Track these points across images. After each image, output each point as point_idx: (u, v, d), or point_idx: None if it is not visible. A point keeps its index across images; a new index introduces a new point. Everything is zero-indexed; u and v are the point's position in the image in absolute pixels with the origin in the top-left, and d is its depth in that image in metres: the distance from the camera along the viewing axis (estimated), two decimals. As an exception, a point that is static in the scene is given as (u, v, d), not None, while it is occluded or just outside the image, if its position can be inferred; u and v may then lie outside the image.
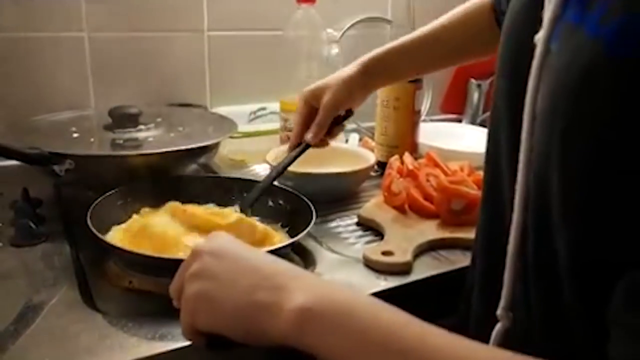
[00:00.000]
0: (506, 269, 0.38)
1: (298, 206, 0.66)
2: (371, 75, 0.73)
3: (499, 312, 0.38)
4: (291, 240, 0.59)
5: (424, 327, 0.34)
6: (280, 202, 0.70)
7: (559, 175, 0.33)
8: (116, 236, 0.61)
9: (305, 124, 0.73)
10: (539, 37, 0.35)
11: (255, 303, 0.37)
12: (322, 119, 0.72)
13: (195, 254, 0.42)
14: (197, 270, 0.41)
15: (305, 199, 0.66)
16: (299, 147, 0.72)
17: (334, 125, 0.74)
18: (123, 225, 0.63)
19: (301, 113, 0.74)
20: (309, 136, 0.72)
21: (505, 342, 0.38)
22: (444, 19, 0.73)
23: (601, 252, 0.31)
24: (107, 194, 0.64)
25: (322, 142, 0.75)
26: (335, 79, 0.72)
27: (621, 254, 0.30)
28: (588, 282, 0.33)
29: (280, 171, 0.70)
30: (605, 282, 0.30)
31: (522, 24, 0.41)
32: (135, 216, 0.64)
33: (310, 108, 0.73)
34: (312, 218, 0.62)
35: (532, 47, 0.35)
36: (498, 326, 0.38)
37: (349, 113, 0.76)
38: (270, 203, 0.70)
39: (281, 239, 0.63)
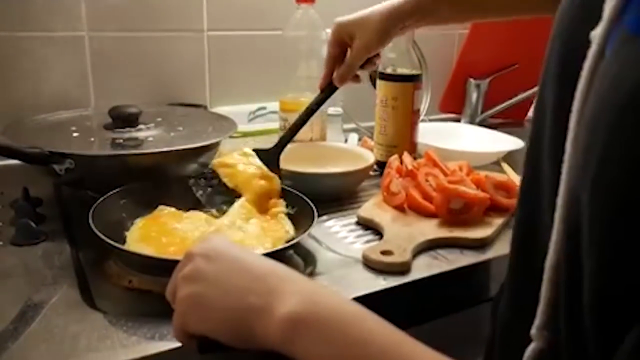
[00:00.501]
0: (543, 287, 0.34)
1: (299, 206, 0.67)
2: (407, 16, 0.71)
3: (533, 330, 0.35)
4: (293, 241, 0.59)
5: (416, 346, 0.33)
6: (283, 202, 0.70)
7: (589, 196, 0.29)
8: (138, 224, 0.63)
9: (335, 62, 0.73)
10: (595, 34, 0.30)
11: (246, 306, 0.37)
12: (352, 59, 0.72)
13: (188, 256, 0.42)
14: (188, 273, 0.40)
15: (307, 199, 0.66)
16: (327, 88, 0.74)
17: (366, 63, 0.74)
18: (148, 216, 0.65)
19: (331, 50, 0.74)
20: (336, 76, 0.72)
21: None
22: None
23: (621, 289, 0.28)
24: (109, 193, 0.64)
25: (354, 80, 0.75)
26: (370, 18, 0.71)
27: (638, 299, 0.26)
28: (604, 320, 0.29)
29: (308, 112, 0.73)
30: (621, 324, 0.27)
31: (576, 21, 0.35)
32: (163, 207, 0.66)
33: (341, 44, 0.73)
34: (313, 218, 0.62)
35: (586, 48, 0.31)
36: (532, 346, 0.35)
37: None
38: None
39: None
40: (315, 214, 0.63)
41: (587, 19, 0.31)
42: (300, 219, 0.65)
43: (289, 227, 0.65)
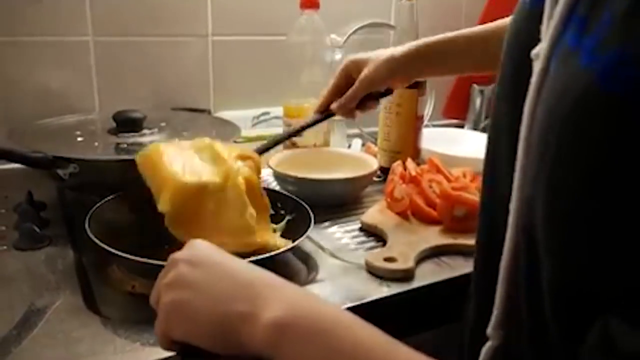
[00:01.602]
0: (498, 287, 0.36)
1: (296, 211, 0.67)
2: (417, 61, 0.73)
3: (489, 330, 0.37)
4: (290, 245, 0.59)
5: (403, 351, 0.33)
6: (279, 206, 0.69)
7: (544, 202, 0.31)
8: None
9: (338, 92, 0.75)
10: (536, 52, 0.33)
11: (231, 313, 0.37)
12: (355, 91, 0.73)
13: (172, 263, 0.41)
14: (172, 279, 0.40)
15: (304, 204, 0.66)
16: (323, 113, 0.75)
17: (369, 100, 0.76)
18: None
19: (337, 80, 0.75)
20: (334, 105, 0.73)
21: None
22: (505, 20, 0.72)
23: (579, 289, 0.30)
24: (107, 199, 0.64)
25: (349, 113, 0.76)
26: (381, 55, 0.73)
27: (599, 294, 0.28)
28: (565, 315, 0.31)
29: (298, 130, 0.75)
30: (583, 321, 0.29)
31: (523, 37, 0.38)
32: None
33: (348, 77, 0.75)
34: (310, 223, 0.62)
35: (530, 66, 0.34)
36: (488, 344, 0.37)
37: (388, 91, 0.77)
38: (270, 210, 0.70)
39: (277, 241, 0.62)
40: (312, 218, 0.63)
41: (530, 43, 0.35)
42: (299, 225, 0.64)
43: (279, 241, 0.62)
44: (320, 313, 0.36)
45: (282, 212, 0.68)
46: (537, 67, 0.33)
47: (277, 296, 0.37)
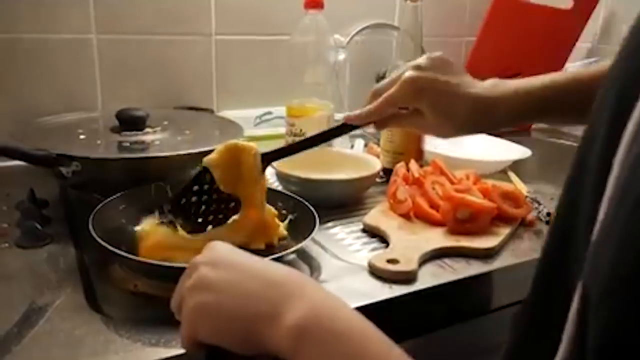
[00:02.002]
0: (568, 321, 0.31)
1: (301, 212, 0.66)
2: (493, 122, 0.64)
3: None
4: (294, 247, 0.59)
5: None
6: (282, 207, 0.69)
7: (607, 263, 0.27)
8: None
9: (388, 111, 0.64)
10: None
11: (256, 314, 0.37)
12: (377, 106, 0.63)
13: (192, 266, 0.42)
14: (195, 283, 0.40)
15: (308, 205, 0.66)
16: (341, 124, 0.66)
17: (394, 118, 0.66)
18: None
19: (391, 104, 0.63)
20: (351, 115, 0.64)
21: None
22: (576, 71, 0.62)
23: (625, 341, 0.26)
24: (110, 198, 0.64)
25: (375, 124, 0.66)
26: (459, 103, 0.62)
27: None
28: None
29: (311, 142, 0.66)
30: None
31: (635, 56, 0.34)
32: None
33: (406, 105, 0.64)
34: (315, 224, 0.62)
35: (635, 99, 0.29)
36: None
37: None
38: (272, 209, 0.70)
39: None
40: (317, 220, 0.62)
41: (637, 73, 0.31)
42: (301, 225, 0.64)
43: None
44: (340, 319, 0.36)
45: (284, 211, 0.68)
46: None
47: (299, 298, 0.37)
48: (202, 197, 0.62)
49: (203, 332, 0.39)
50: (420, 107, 0.62)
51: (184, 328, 0.40)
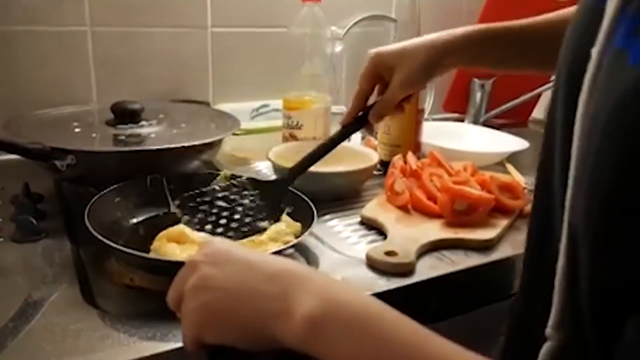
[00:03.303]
0: (556, 285, 0.36)
1: (298, 205, 0.66)
2: (452, 55, 0.67)
3: (548, 330, 0.36)
4: (293, 242, 0.58)
5: (441, 341, 0.34)
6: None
7: (584, 195, 0.32)
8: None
9: (366, 98, 0.68)
10: (595, 50, 0.33)
11: (263, 310, 0.37)
12: (392, 97, 0.66)
13: (192, 265, 0.41)
14: (197, 282, 0.39)
15: (306, 198, 0.65)
16: (353, 123, 0.68)
17: (378, 104, 0.68)
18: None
19: (364, 87, 0.68)
20: (374, 115, 0.67)
21: None
22: (545, 16, 0.68)
23: (613, 286, 0.30)
24: (104, 191, 0.64)
25: (398, 109, 0.70)
26: (414, 51, 0.66)
27: (632, 291, 0.28)
28: (601, 316, 0.31)
29: (328, 148, 0.67)
30: (617, 319, 0.29)
31: (580, 42, 0.38)
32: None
33: (376, 80, 0.68)
34: (313, 218, 0.61)
35: (589, 61, 0.34)
36: (547, 344, 0.36)
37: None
38: (270, 202, 0.69)
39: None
40: (315, 213, 0.62)
41: (589, 40, 0.34)
42: (299, 218, 0.64)
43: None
44: (353, 304, 0.36)
45: (282, 205, 0.68)
46: (591, 65, 0.33)
47: (308, 289, 0.37)
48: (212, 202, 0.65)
49: (209, 333, 0.38)
50: (383, 72, 0.67)
51: (187, 329, 0.39)
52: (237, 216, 0.64)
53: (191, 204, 0.66)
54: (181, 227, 0.60)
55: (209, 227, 0.63)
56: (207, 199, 0.66)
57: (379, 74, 0.68)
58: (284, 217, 0.65)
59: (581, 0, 0.40)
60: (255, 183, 0.69)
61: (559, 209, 0.36)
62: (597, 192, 0.31)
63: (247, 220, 0.64)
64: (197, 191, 0.67)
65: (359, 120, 0.69)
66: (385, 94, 0.67)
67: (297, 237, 0.60)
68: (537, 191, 0.44)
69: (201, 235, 0.60)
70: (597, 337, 0.32)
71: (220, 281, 0.39)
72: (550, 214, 0.40)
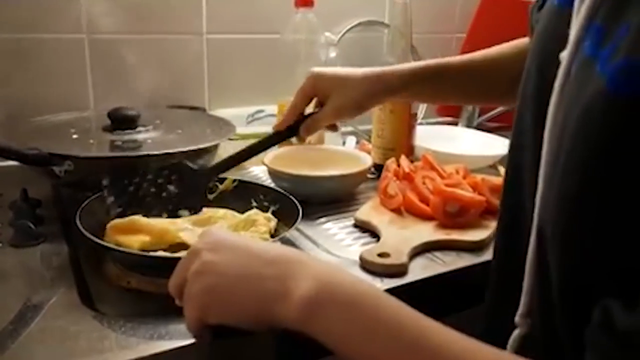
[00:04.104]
0: (525, 276, 0.38)
1: (280, 202, 0.68)
2: (391, 92, 0.69)
3: (517, 318, 0.39)
4: (279, 236, 0.60)
5: (432, 321, 0.36)
6: (264, 199, 0.70)
7: (557, 191, 0.33)
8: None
9: (299, 112, 0.70)
10: (564, 55, 0.35)
11: (263, 291, 0.39)
12: (321, 121, 0.69)
13: (194, 252, 0.43)
14: (200, 267, 0.41)
15: (291, 197, 0.67)
16: (284, 132, 0.71)
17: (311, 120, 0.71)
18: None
19: (298, 102, 0.70)
20: (303, 128, 0.69)
21: (522, 349, 0.38)
22: (486, 51, 0.71)
23: (581, 274, 0.32)
24: (97, 194, 0.65)
25: (331, 128, 0.74)
26: (352, 83, 0.68)
27: (599, 277, 0.30)
28: (572, 302, 0.33)
29: (254, 152, 0.69)
30: (586, 306, 0.31)
31: (550, 37, 0.40)
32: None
33: (311, 98, 0.70)
34: (298, 213, 0.63)
35: (558, 64, 0.35)
36: (516, 332, 0.38)
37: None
38: (254, 202, 0.71)
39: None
40: (299, 209, 0.63)
41: (557, 42, 0.36)
42: (285, 216, 0.65)
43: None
44: (350, 286, 0.38)
45: (266, 204, 0.69)
46: (561, 70, 0.34)
47: (305, 272, 0.38)
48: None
49: (213, 314, 0.41)
50: (320, 95, 0.69)
51: (190, 311, 0.42)
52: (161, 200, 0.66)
53: (119, 187, 0.66)
54: (133, 218, 0.61)
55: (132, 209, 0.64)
56: (136, 180, 0.67)
57: (315, 94, 0.70)
58: (261, 214, 0.66)
59: (547, 4, 0.42)
60: (181, 168, 0.68)
61: (528, 206, 0.38)
62: (567, 192, 0.32)
63: (170, 207, 0.66)
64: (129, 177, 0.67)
65: (290, 129, 0.71)
66: (317, 114, 0.70)
67: (271, 235, 0.62)
68: (507, 188, 0.47)
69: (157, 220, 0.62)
70: (565, 324, 0.33)
71: (222, 267, 0.41)
72: (519, 209, 0.42)
